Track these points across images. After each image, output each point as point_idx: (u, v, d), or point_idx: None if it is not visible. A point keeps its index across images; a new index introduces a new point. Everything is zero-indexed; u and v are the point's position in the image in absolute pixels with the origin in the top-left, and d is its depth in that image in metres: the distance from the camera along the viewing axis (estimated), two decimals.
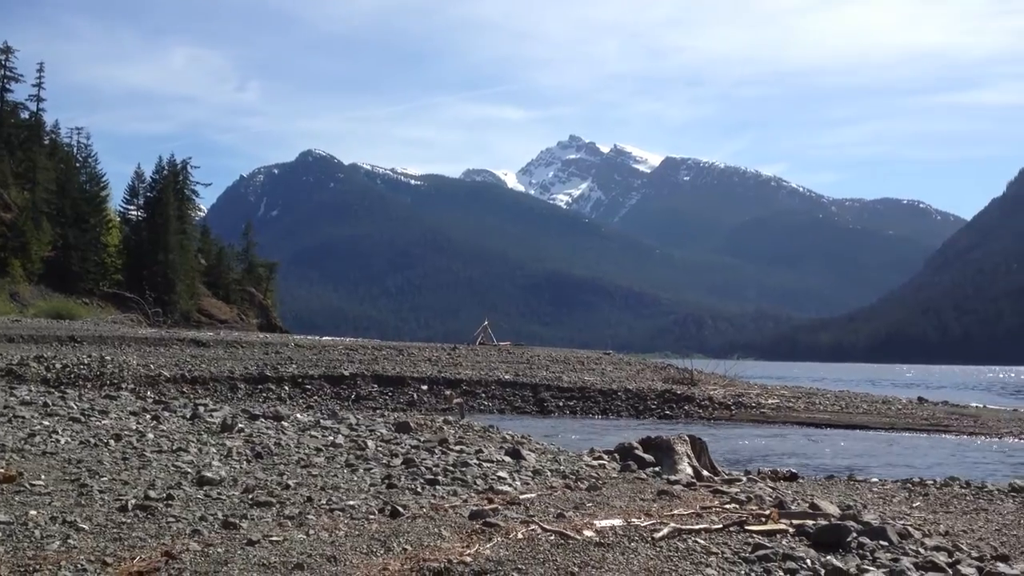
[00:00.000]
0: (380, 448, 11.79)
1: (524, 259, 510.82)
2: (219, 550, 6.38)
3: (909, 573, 6.34)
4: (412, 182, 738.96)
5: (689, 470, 11.12)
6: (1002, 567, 6.98)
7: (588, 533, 6.84)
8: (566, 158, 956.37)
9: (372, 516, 7.67)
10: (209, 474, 9.06)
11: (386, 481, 9.35)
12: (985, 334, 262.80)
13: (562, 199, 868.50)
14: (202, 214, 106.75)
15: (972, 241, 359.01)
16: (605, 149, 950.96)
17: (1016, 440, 24.07)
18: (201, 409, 15.33)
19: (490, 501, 8.35)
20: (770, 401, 30.52)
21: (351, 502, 8.16)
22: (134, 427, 12.57)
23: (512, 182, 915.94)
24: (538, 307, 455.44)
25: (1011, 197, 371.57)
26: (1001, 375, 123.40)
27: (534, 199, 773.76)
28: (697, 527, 7.18)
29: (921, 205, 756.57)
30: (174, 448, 10.81)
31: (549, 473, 10.59)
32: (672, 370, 37.88)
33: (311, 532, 6.98)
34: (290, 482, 9.03)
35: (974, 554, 7.48)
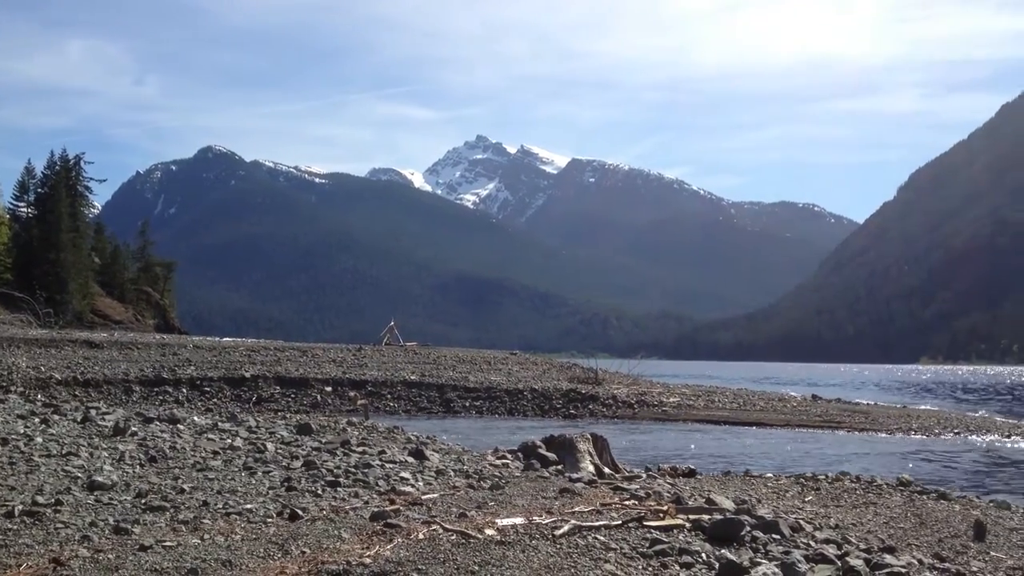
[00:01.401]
0: (280, 450, 11.60)
1: (431, 259, 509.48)
2: (109, 556, 6.20)
3: (799, 565, 6.53)
4: (316, 180, 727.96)
5: (591, 468, 11.24)
6: (889, 558, 7.24)
7: (490, 532, 6.85)
8: (473, 158, 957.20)
9: (270, 519, 7.54)
10: (100, 479, 8.78)
11: (285, 484, 9.21)
12: (877, 333, 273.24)
13: (469, 199, 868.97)
14: (96, 211, 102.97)
15: (865, 243, 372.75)
16: (512, 150, 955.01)
17: (904, 436, 25.07)
18: (93, 412, 14.85)
19: (392, 502, 8.30)
20: (672, 399, 31.12)
21: (248, 505, 8.01)
22: (22, 431, 12.10)
23: (419, 182, 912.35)
24: (445, 307, 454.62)
25: (902, 201, 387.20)
26: (892, 373, 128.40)
27: (441, 199, 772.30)
28: (597, 524, 7.25)
29: (816, 208, 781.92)
30: (64, 452, 10.46)
31: (452, 473, 10.58)
32: (577, 370, 38.23)
33: (206, 537, 6.82)
34: (185, 486, 8.81)
35: (862, 546, 7.76)
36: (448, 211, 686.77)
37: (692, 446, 21.47)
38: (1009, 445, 23.41)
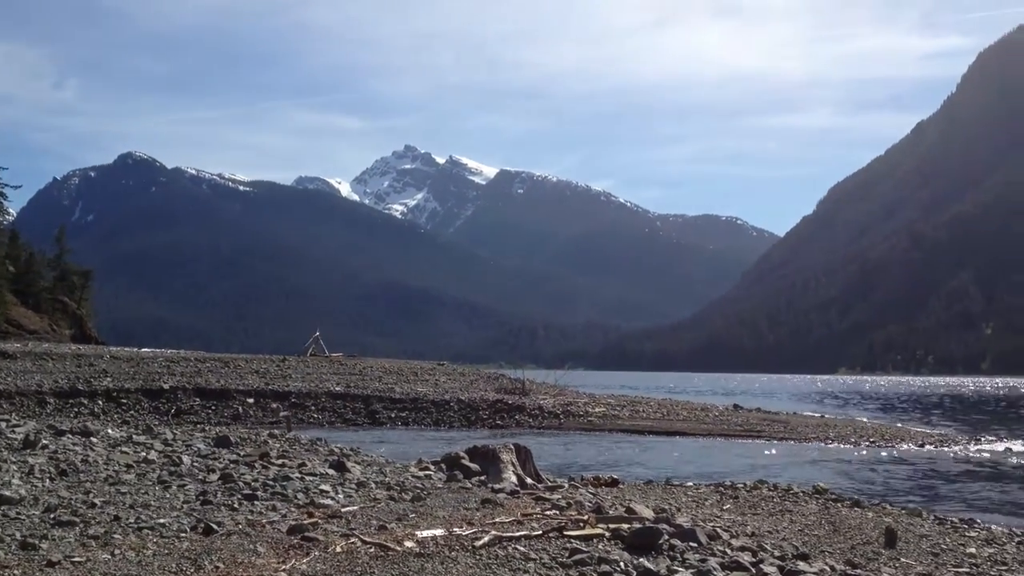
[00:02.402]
0: (196, 463, 11.36)
1: (358, 269, 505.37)
2: (15, 572, 6.02)
3: (715, 573, 6.63)
4: (241, 188, 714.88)
5: (514, 478, 11.25)
6: (802, 565, 7.40)
7: (409, 544, 6.81)
8: (401, 168, 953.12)
9: (184, 534, 7.38)
10: (8, 493, 8.49)
11: (201, 498, 9.02)
12: (796, 344, 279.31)
13: (397, 209, 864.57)
14: (11, 218, 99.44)
15: (785, 256, 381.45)
16: (441, 160, 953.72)
17: (822, 445, 25.68)
18: (3, 424, 14.36)
19: (310, 515, 8.19)
20: (597, 410, 31.35)
21: (161, 520, 7.83)
22: None
23: (346, 191, 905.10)
24: (372, 317, 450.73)
25: (820, 215, 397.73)
26: (811, 383, 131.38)
27: (369, 208, 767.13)
28: (518, 534, 7.27)
29: (738, 221, 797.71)
30: None
31: (374, 485, 10.49)
32: (504, 380, 38.31)
33: (117, 552, 6.65)
34: (96, 500, 8.57)
35: (777, 553, 7.90)
36: (376, 221, 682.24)
37: (616, 456, 21.66)
38: (921, 453, 24.14)
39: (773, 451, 23.91)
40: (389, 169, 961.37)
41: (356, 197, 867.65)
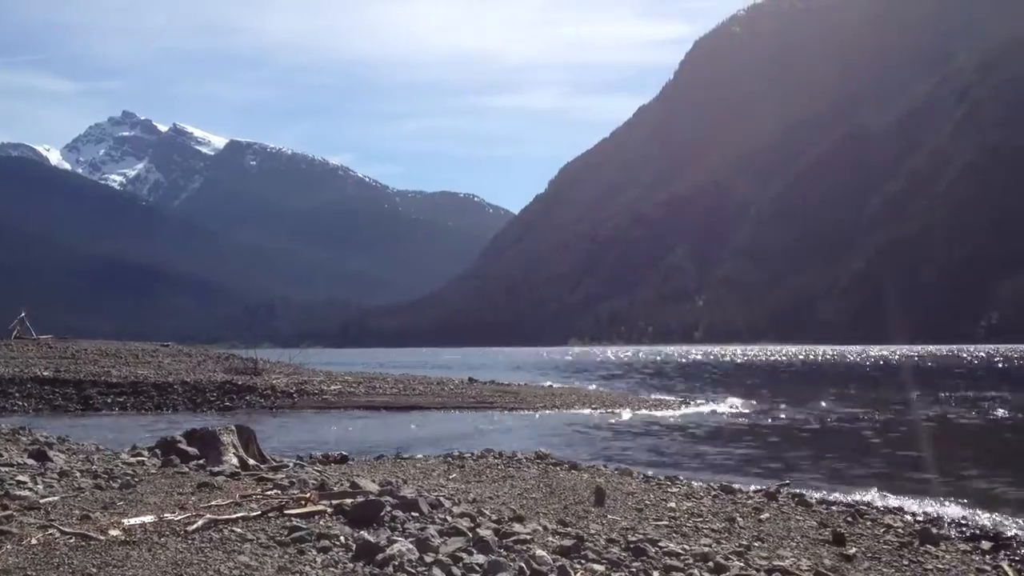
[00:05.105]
0: None
1: (71, 243, 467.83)
2: None
3: (432, 540, 6.79)
4: None
5: (235, 460, 10.91)
6: (517, 527, 7.76)
7: (114, 532, 6.46)
8: (119, 135, 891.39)
9: None
10: None
11: None
12: (531, 317, 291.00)
13: (115, 179, 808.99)
14: None
15: (519, 233, 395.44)
16: (163, 128, 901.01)
17: (548, 412, 26.96)
18: None
19: (4, 508, 7.53)
20: (333, 388, 31.10)
21: None
22: None
23: (56, 159, 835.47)
24: (88, 297, 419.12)
25: (552, 194, 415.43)
26: (544, 355, 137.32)
27: (82, 178, 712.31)
28: (234, 516, 7.09)
29: (476, 199, 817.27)
30: None
31: (79, 474, 9.82)
32: (236, 361, 37.28)
33: None
34: None
35: (494, 517, 8.22)
36: (91, 191, 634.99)
37: (351, 433, 21.61)
38: (637, 417, 25.94)
39: (504, 420, 24.80)
40: (105, 136, 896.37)
41: (67, 166, 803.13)
